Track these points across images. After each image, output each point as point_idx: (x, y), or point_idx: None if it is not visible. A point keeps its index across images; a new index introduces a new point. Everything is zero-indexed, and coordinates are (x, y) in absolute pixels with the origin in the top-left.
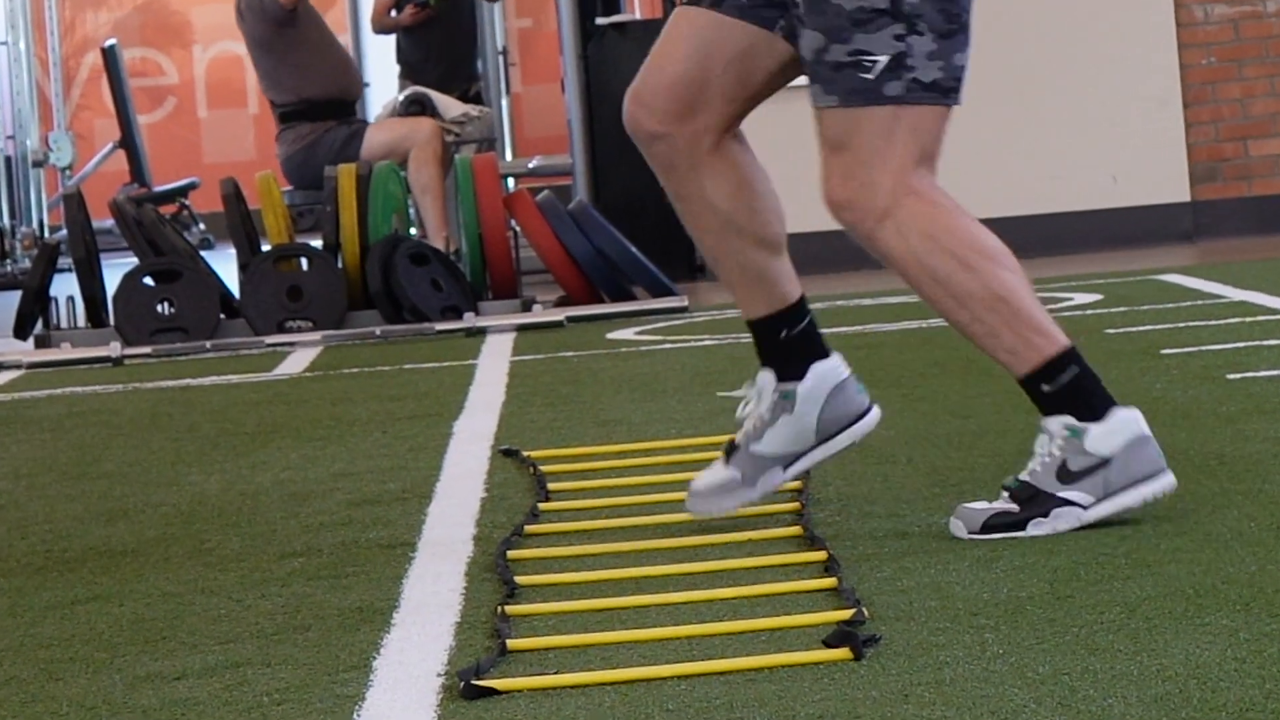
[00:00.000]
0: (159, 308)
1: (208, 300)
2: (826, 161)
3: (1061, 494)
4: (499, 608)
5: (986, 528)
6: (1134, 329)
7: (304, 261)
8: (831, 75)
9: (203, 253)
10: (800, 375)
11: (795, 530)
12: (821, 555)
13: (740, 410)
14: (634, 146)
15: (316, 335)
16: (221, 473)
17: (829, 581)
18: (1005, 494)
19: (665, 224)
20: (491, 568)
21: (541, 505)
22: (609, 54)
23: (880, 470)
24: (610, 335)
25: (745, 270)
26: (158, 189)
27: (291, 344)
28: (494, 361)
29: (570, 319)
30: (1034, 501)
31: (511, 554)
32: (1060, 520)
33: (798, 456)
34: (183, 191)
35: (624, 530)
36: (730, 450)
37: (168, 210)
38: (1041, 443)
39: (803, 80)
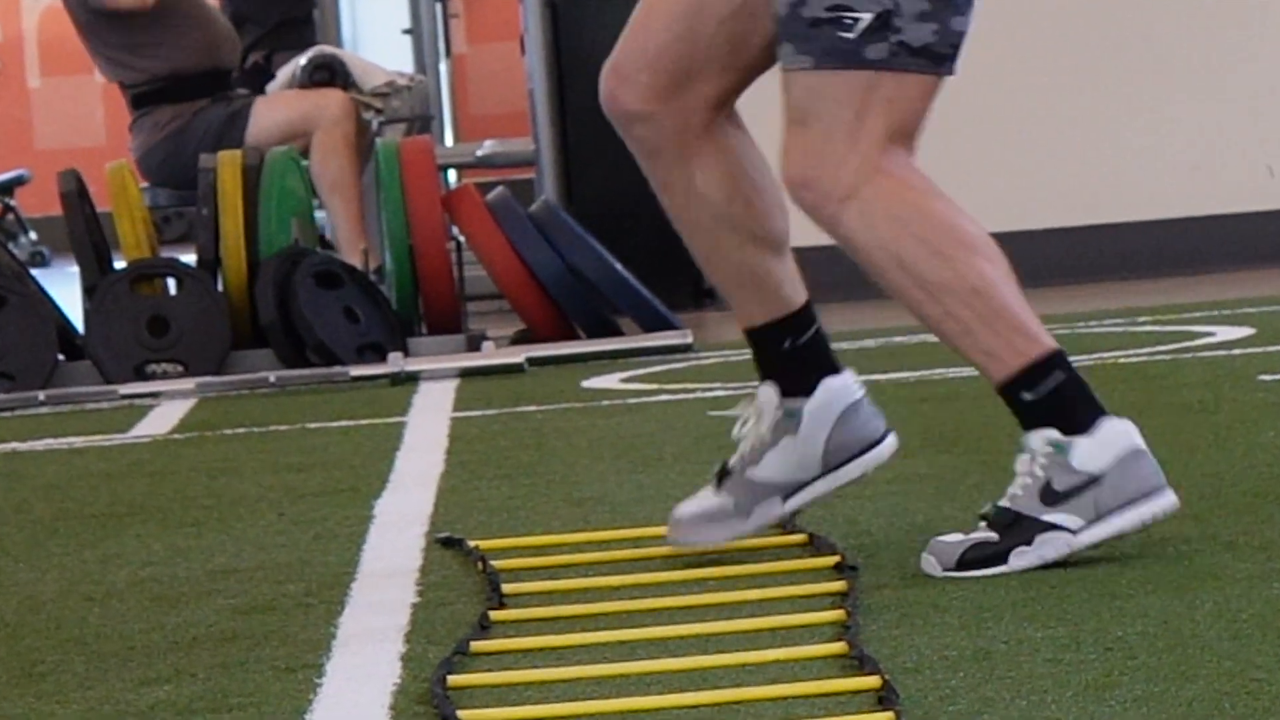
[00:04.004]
0: None
1: (40, 335)
2: (788, 132)
3: (1046, 517)
4: None
5: (963, 563)
6: None
7: (171, 283)
8: (807, 32)
9: (34, 271)
10: (808, 391)
11: (839, 647)
12: (875, 682)
13: (737, 429)
14: None
15: (189, 383)
16: (60, 569)
17: (885, 717)
18: (982, 523)
19: (662, 232)
20: (426, 699)
21: (493, 613)
22: (584, 3)
23: None
24: (586, 383)
25: (741, 271)
26: None
27: (155, 395)
28: (429, 418)
29: (532, 360)
30: (1015, 529)
31: (453, 680)
32: (1047, 547)
33: (800, 486)
34: (7, 188)
35: (603, 647)
36: (722, 475)
37: None
38: (1022, 462)
39: None
